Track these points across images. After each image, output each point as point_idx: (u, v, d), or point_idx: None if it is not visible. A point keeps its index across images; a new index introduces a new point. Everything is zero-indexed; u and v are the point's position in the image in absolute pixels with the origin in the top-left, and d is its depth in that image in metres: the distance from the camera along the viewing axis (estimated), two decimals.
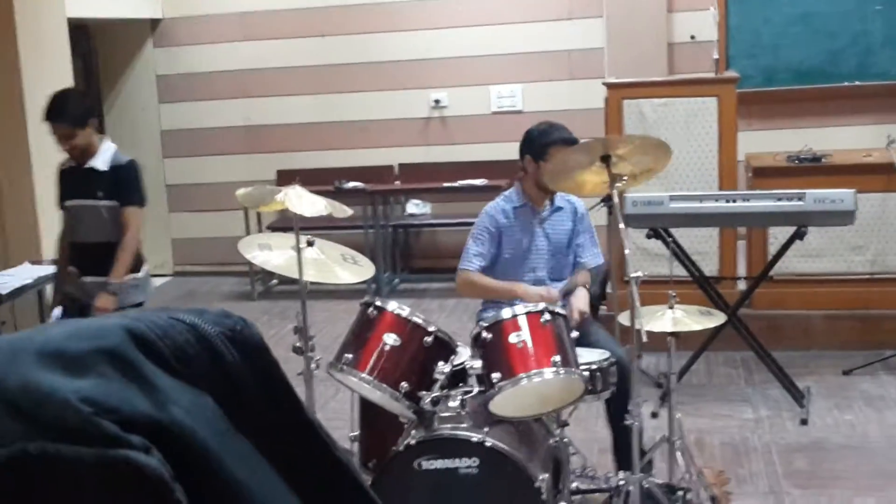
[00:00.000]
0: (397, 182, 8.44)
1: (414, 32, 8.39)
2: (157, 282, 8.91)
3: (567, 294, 4.28)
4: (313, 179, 8.30)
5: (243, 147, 8.86)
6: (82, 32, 7.69)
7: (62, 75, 6.34)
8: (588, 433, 4.77)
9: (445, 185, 8.06)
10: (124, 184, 4.71)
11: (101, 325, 0.76)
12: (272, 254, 4.02)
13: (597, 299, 5.90)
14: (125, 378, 0.73)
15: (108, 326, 0.76)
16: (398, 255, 8.66)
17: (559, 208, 4.35)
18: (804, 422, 4.98)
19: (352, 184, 8.11)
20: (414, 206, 8.54)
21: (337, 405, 5.34)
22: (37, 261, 5.77)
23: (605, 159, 3.56)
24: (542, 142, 4.25)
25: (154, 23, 8.81)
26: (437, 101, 8.47)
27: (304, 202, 3.69)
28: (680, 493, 3.88)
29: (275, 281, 8.25)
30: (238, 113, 8.82)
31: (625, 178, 3.62)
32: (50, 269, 5.55)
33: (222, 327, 0.80)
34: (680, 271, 5.37)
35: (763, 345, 5.40)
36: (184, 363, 0.77)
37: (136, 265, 4.79)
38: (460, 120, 8.45)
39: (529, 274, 4.33)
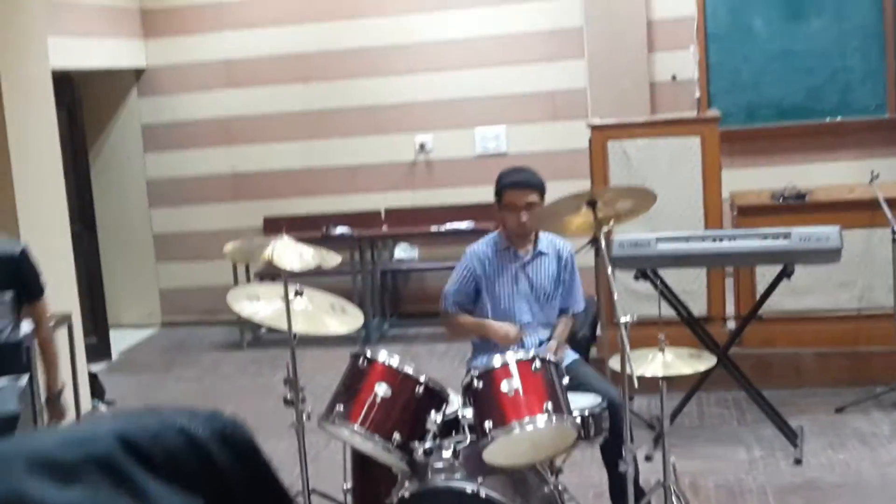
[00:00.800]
0: (384, 227, 8.44)
1: (397, 77, 8.43)
2: (145, 333, 8.88)
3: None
4: (301, 226, 8.37)
5: (230, 195, 8.85)
6: (66, 83, 7.69)
7: (47, 126, 6.34)
8: (583, 478, 4.75)
9: (432, 229, 8.07)
10: (24, 275, 4.18)
11: (92, 431, 0.75)
12: (261, 305, 4.02)
13: (586, 341, 5.91)
14: (116, 487, 0.72)
15: (99, 433, 0.75)
16: (387, 300, 8.64)
17: (542, 253, 4.35)
18: (798, 461, 4.96)
19: (340, 229, 8.11)
20: (402, 251, 8.54)
21: (329, 455, 5.29)
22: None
23: (592, 204, 3.57)
24: (497, 188, 4.31)
25: (138, 72, 8.84)
26: (422, 145, 8.50)
27: (292, 254, 3.68)
28: None
29: (264, 329, 8.21)
30: (224, 161, 8.82)
31: (611, 222, 3.63)
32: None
33: (213, 429, 0.80)
34: (669, 311, 5.37)
35: (754, 384, 5.40)
36: (175, 467, 0.76)
37: (20, 365, 4.11)
38: (445, 163, 8.48)
39: (515, 317, 4.33)
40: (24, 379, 4.06)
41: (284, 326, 3.77)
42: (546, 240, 4.36)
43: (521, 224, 4.24)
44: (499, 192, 4.30)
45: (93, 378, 6.80)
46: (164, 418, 0.79)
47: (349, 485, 3.92)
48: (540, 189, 4.25)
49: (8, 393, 3.96)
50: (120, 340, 8.43)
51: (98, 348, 7.83)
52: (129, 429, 0.76)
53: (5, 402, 3.92)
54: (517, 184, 4.26)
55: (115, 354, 8.14)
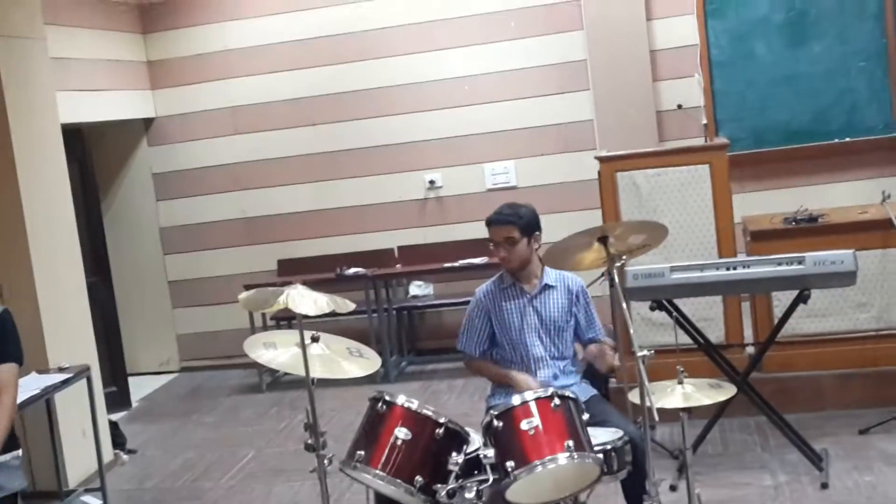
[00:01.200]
0: (398, 265, 8.46)
1: (405, 116, 8.48)
2: (164, 379, 8.90)
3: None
4: (314, 267, 8.41)
5: (243, 239, 8.90)
6: (76, 136, 7.77)
7: (58, 180, 6.39)
8: None
9: (446, 265, 8.08)
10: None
11: None
12: (277, 352, 4.01)
13: (605, 373, 5.88)
14: None
15: None
16: (404, 338, 8.64)
17: (549, 286, 4.38)
18: (825, 486, 4.91)
19: (353, 269, 8.12)
20: (416, 288, 8.56)
21: (353, 496, 5.30)
22: (43, 369, 5.75)
23: (603, 240, 3.58)
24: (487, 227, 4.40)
25: (147, 122, 8.92)
26: (431, 182, 8.53)
27: (306, 301, 3.68)
28: None
29: (282, 371, 8.21)
30: (235, 206, 8.88)
31: (624, 257, 3.63)
32: (58, 378, 5.54)
33: None
34: (686, 339, 5.35)
35: (776, 408, 5.37)
36: None
37: (14, 441, 4.10)
38: (456, 199, 8.51)
39: (527, 351, 4.34)
40: (20, 452, 4.12)
41: (302, 372, 3.76)
42: (553, 273, 4.40)
43: (502, 259, 4.34)
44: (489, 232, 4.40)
45: (114, 427, 6.81)
46: None
47: None
48: (515, 223, 4.29)
49: (13, 470, 4.04)
50: (139, 388, 8.45)
51: (118, 397, 7.85)
52: None
53: (12, 480, 4.02)
54: (490, 221, 4.37)
55: (134, 402, 8.15)
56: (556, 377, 4.29)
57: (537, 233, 4.35)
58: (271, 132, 8.73)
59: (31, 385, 5.39)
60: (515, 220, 4.28)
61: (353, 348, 4.07)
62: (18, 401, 5.06)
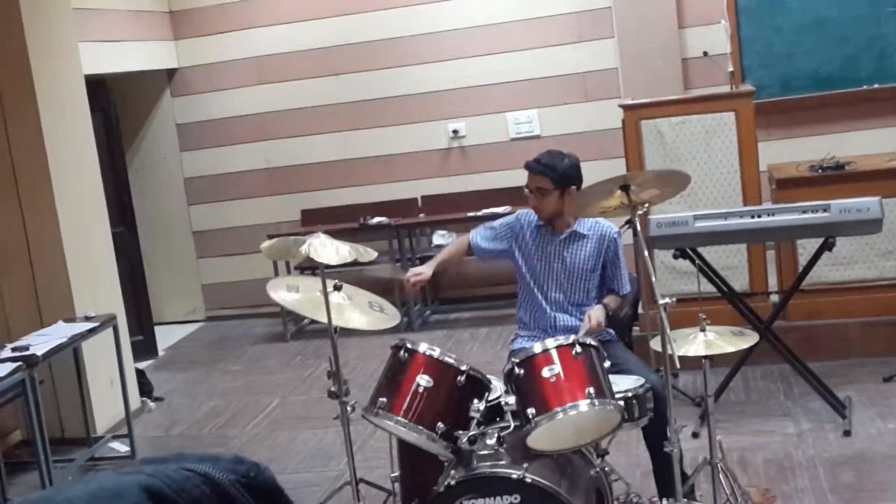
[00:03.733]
0: (421, 214, 8.45)
1: (428, 65, 8.43)
2: (190, 328, 8.98)
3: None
4: (338, 217, 8.43)
5: (267, 189, 8.92)
6: (100, 87, 7.77)
7: (82, 131, 6.42)
8: (630, 458, 4.75)
9: (469, 214, 8.06)
10: None
11: (119, 484, 0.77)
12: (300, 296, 4.04)
13: (629, 319, 5.88)
14: None
15: (125, 486, 0.76)
16: (427, 287, 8.65)
17: (581, 235, 4.32)
18: (847, 433, 4.92)
19: (377, 219, 8.13)
20: (440, 237, 8.55)
21: (376, 443, 5.34)
22: (70, 318, 5.81)
23: (625, 188, 3.56)
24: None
25: (170, 73, 8.91)
26: (455, 132, 8.49)
27: (328, 250, 3.70)
28: None
29: (307, 320, 8.26)
30: (259, 156, 8.88)
31: (646, 204, 3.61)
32: (85, 326, 5.61)
33: (236, 475, 0.81)
34: (710, 288, 5.34)
35: (800, 357, 5.35)
36: None
37: None
38: (479, 149, 8.47)
39: (545, 294, 4.33)
40: None
41: (323, 318, 3.79)
42: (589, 222, 4.32)
43: (533, 207, 4.31)
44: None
45: (140, 375, 6.89)
46: (188, 467, 0.80)
47: (396, 473, 3.95)
48: (548, 175, 4.20)
49: None
50: (165, 337, 8.53)
51: (144, 346, 7.93)
52: (154, 481, 0.77)
53: None
54: (527, 166, 4.32)
55: (161, 351, 8.24)
56: (570, 329, 4.24)
57: (573, 187, 4.21)
58: (294, 82, 8.70)
59: (58, 334, 5.46)
60: (549, 173, 4.21)
61: (374, 302, 4.09)
62: (49, 348, 5.17)
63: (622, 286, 4.36)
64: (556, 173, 4.20)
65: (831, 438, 4.93)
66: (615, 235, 4.33)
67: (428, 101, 8.48)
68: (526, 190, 4.31)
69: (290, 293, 4.05)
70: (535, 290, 4.34)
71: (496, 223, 4.48)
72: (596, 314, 4.09)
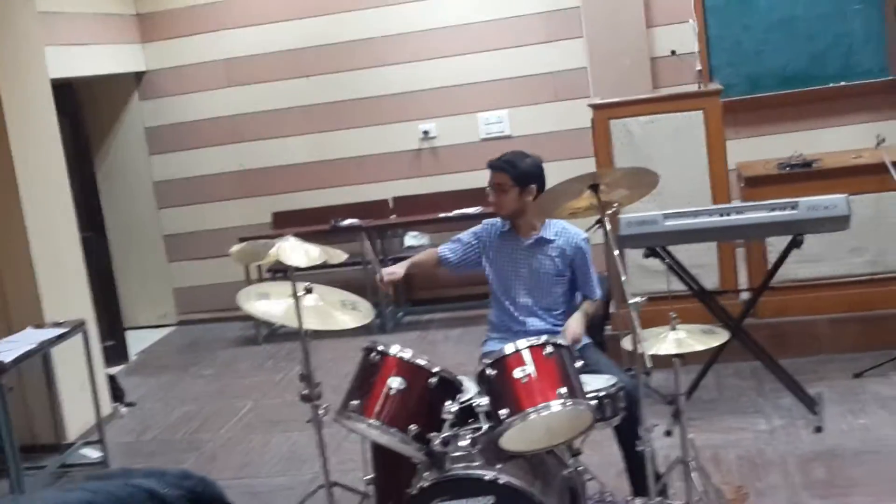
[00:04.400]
0: (393, 216, 8.44)
1: (398, 66, 8.42)
2: (162, 333, 8.92)
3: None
4: (309, 219, 8.40)
5: (238, 192, 8.88)
6: (67, 91, 7.71)
7: (49, 136, 6.35)
8: (603, 457, 4.74)
9: (441, 215, 8.07)
10: None
11: (62, 502, 0.76)
12: (271, 303, 4.03)
13: (601, 320, 5.89)
14: None
15: (67, 503, 0.75)
16: (400, 288, 8.64)
17: (547, 241, 4.33)
18: (819, 429, 4.95)
19: (348, 221, 8.11)
20: (412, 239, 8.55)
21: (350, 446, 5.32)
22: (39, 324, 5.76)
23: (594, 188, 3.56)
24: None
25: (138, 76, 8.85)
26: (425, 133, 8.49)
27: (298, 253, 3.69)
28: None
29: (279, 324, 8.23)
30: (230, 158, 8.84)
31: (615, 204, 3.62)
32: (54, 332, 5.55)
33: (182, 490, 0.80)
34: (680, 286, 5.36)
35: (771, 354, 5.39)
36: None
37: None
38: (450, 149, 8.47)
39: (513, 300, 4.35)
40: None
41: (296, 323, 3.78)
42: (557, 227, 4.34)
43: (491, 203, 4.38)
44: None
45: (112, 381, 6.84)
46: (133, 483, 0.79)
47: (370, 476, 3.94)
48: (507, 171, 4.26)
49: None
50: (137, 342, 8.48)
51: (116, 350, 7.87)
52: (96, 498, 0.76)
53: None
54: (489, 164, 4.37)
55: (132, 355, 8.18)
56: (542, 332, 4.24)
57: (532, 186, 4.25)
58: (265, 84, 8.66)
59: (27, 340, 5.40)
60: (508, 169, 4.25)
61: (347, 300, 4.08)
62: (18, 354, 5.12)
63: (593, 291, 4.37)
64: (515, 170, 4.24)
65: (803, 435, 4.96)
66: (581, 243, 4.35)
67: (399, 101, 8.47)
68: (487, 188, 4.35)
69: (260, 301, 4.04)
70: (503, 295, 4.37)
71: (462, 235, 4.52)
72: (573, 329, 4.11)
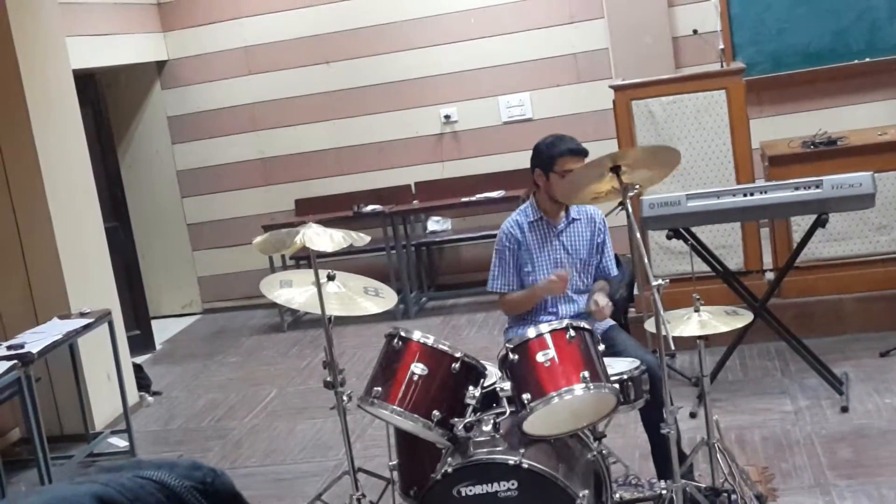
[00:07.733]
0: (415, 201, 8.44)
1: (418, 50, 8.40)
2: (187, 321, 8.97)
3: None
4: (332, 206, 8.41)
5: (260, 180, 8.90)
6: (89, 82, 7.74)
7: (72, 127, 6.39)
8: (627, 439, 4.75)
9: (463, 199, 8.05)
10: None
11: (72, 493, 0.76)
12: (294, 291, 4.02)
13: (624, 302, 5.88)
14: None
15: (78, 495, 0.75)
16: (423, 274, 8.66)
17: (575, 220, 4.33)
18: (845, 409, 4.92)
19: (370, 207, 8.11)
20: (434, 224, 8.55)
21: (374, 432, 5.34)
22: (65, 315, 5.80)
23: (615, 169, 3.54)
24: (549, 154, 4.24)
25: (160, 65, 8.87)
26: (447, 117, 8.47)
27: (322, 238, 3.68)
28: (724, 495, 3.85)
29: (303, 311, 8.25)
30: (251, 146, 8.86)
31: (637, 186, 3.60)
32: (80, 323, 5.59)
33: (193, 481, 0.80)
34: (704, 267, 5.33)
35: (796, 334, 5.35)
36: None
37: None
38: (472, 133, 8.45)
39: None
40: None
41: (319, 311, 3.78)
42: (575, 208, 4.34)
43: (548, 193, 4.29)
44: (551, 159, 4.23)
45: (138, 370, 6.88)
46: (143, 475, 0.79)
47: (394, 462, 3.95)
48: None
49: None
50: (162, 331, 8.53)
51: (141, 340, 7.93)
52: (107, 490, 0.76)
53: None
54: (575, 151, 4.22)
55: (158, 345, 8.23)
56: (578, 315, 4.23)
57: (538, 170, 4.29)
58: (285, 71, 8.67)
59: (53, 330, 5.44)
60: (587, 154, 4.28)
61: (369, 287, 4.08)
62: (45, 345, 5.16)
63: (610, 269, 4.38)
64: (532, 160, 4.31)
65: (829, 415, 4.93)
66: (599, 217, 4.38)
67: (419, 86, 8.45)
68: (559, 178, 4.22)
69: (283, 289, 4.04)
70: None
71: (494, 259, 4.38)
72: (604, 302, 4.09)
